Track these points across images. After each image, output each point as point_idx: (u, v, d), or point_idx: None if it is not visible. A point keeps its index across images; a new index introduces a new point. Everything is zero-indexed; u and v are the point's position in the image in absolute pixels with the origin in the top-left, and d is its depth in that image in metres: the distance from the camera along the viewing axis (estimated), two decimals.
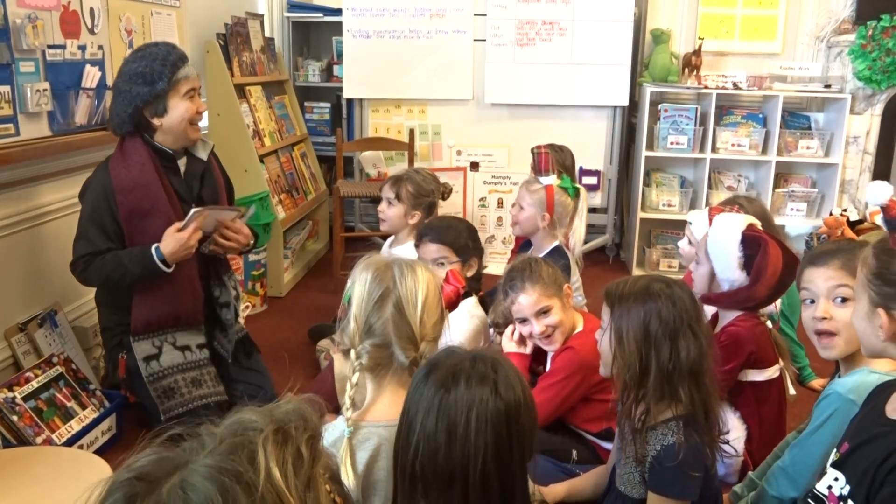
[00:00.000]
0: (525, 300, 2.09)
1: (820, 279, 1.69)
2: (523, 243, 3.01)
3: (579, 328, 2.14)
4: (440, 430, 1.13)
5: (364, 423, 1.39)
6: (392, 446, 1.25)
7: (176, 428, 0.76)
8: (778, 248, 2.05)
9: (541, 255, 2.59)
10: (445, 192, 3.21)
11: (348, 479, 1.33)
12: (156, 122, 2.26)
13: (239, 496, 0.65)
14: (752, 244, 2.06)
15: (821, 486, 1.33)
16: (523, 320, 2.13)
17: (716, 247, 2.12)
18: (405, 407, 1.20)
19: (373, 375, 1.45)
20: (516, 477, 1.17)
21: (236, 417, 0.74)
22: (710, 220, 2.17)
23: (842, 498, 1.27)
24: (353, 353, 1.43)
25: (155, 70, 2.21)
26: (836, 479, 1.30)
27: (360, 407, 1.43)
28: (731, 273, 2.08)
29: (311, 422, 0.76)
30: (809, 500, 1.35)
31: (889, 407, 1.30)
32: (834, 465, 1.33)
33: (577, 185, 2.88)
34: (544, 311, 2.09)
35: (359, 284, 1.44)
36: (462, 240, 2.55)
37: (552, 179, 2.80)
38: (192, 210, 2.22)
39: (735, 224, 2.11)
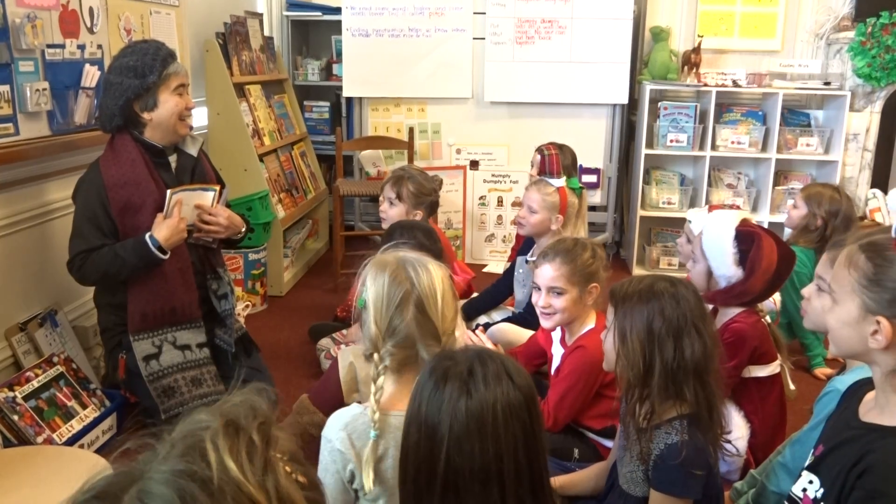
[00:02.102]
0: (547, 272, 2.11)
1: None
2: (525, 241, 3.00)
3: (591, 326, 2.14)
4: (471, 432, 1.12)
5: (394, 412, 1.37)
6: None
7: (159, 425, 0.77)
8: (772, 241, 2.05)
9: None
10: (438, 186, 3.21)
11: (369, 481, 1.31)
12: (145, 116, 2.27)
13: (197, 494, 0.66)
14: (745, 239, 2.06)
15: (796, 489, 1.32)
16: (538, 288, 2.16)
17: (710, 244, 2.12)
18: (418, 420, 1.17)
19: (397, 376, 1.44)
20: (542, 465, 1.17)
21: (187, 420, 0.75)
22: None
23: (815, 501, 1.26)
24: (376, 356, 1.42)
25: (146, 64, 2.23)
26: (811, 482, 1.29)
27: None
28: (726, 269, 2.09)
29: (261, 410, 0.77)
30: (785, 503, 1.35)
31: (862, 409, 1.28)
32: (809, 468, 1.32)
33: (581, 186, 2.89)
34: (557, 292, 2.10)
35: (375, 288, 1.41)
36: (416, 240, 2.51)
37: (562, 181, 2.81)
38: (168, 192, 2.25)
39: (728, 220, 2.11)
